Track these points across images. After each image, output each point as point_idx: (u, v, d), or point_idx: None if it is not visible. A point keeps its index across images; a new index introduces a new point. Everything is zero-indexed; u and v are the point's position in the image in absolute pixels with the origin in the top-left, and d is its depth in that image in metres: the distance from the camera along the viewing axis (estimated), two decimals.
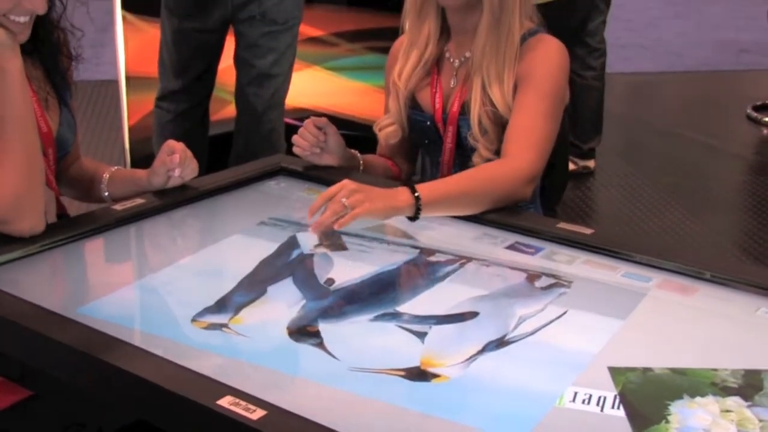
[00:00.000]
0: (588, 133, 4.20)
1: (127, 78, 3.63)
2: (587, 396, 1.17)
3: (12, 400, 1.50)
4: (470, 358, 1.26)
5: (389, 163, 2.04)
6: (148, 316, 1.44)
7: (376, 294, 1.45)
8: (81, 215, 1.70)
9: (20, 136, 1.53)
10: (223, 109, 3.43)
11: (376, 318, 1.37)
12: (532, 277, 1.50)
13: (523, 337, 1.32)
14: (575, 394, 1.18)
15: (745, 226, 3.81)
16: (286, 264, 1.55)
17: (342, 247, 1.61)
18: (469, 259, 1.56)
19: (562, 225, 1.65)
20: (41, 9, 1.53)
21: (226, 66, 3.07)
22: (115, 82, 3.81)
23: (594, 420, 1.14)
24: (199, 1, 2.77)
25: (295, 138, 1.90)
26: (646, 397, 1.17)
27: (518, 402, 1.18)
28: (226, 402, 1.11)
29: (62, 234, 1.59)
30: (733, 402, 1.16)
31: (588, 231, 1.63)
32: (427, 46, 1.92)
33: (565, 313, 1.39)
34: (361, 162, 1.98)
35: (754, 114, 5.06)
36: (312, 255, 1.57)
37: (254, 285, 1.46)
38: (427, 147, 2.00)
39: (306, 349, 1.29)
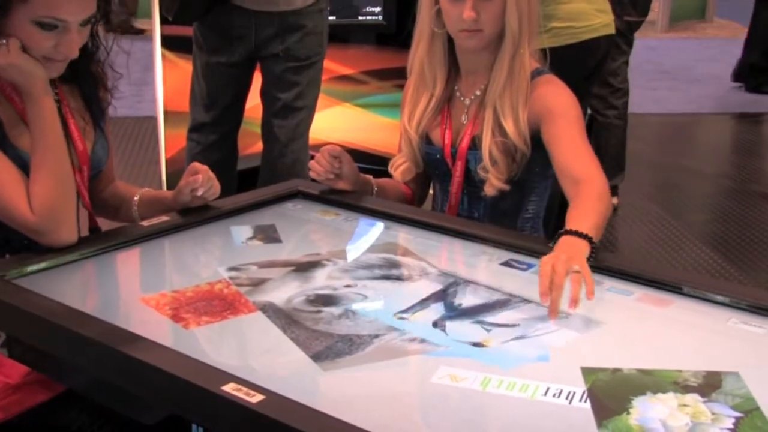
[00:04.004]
0: (611, 171, 4.27)
1: (166, 113, 3.83)
2: (558, 391, 1.29)
3: (49, 395, 1.64)
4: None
5: (402, 187, 2.18)
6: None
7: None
8: (111, 230, 1.86)
9: (52, 156, 1.69)
10: (256, 143, 3.60)
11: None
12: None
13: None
14: (547, 389, 1.29)
15: None
16: None
17: None
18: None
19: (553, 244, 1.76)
20: (73, 54, 1.71)
21: (259, 102, 3.24)
22: (154, 119, 4.01)
23: (561, 411, 1.25)
24: (225, 38, 2.96)
25: (311, 163, 2.05)
26: (612, 393, 1.28)
27: None
28: (229, 388, 1.24)
29: (94, 246, 1.75)
30: (691, 398, 1.26)
31: None
32: (436, 89, 2.05)
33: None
34: (375, 187, 2.12)
35: None
36: None
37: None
38: (438, 177, 2.13)
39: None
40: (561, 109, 1.93)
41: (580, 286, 1.49)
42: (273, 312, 1.52)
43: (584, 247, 1.61)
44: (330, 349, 1.41)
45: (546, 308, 1.49)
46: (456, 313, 1.52)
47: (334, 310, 1.53)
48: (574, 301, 1.47)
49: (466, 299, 1.56)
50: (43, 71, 1.70)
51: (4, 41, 1.65)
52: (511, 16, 1.93)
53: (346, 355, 1.39)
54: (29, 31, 1.65)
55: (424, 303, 1.55)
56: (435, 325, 1.48)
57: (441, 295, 1.58)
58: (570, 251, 1.57)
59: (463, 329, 1.46)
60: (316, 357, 1.38)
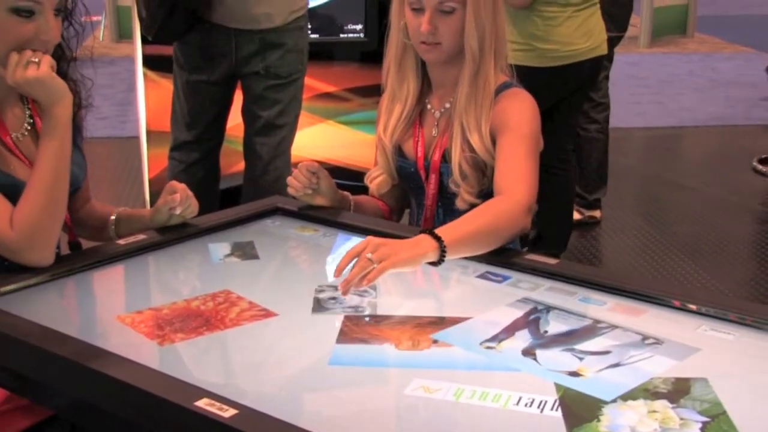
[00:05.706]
0: (593, 184, 4.32)
1: (149, 132, 3.83)
2: (530, 400, 1.30)
3: (31, 422, 1.64)
4: None
5: (380, 203, 2.19)
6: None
7: None
8: (87, 249, 1.86)
9: (54, 178, 1.69)
10: (239, 162, 3.61)
11: None
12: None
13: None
14: (519, 398, 1.30)
15: (750, 274, 3.88)
16: None
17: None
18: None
19: (530, 256, 1.78)
20: (55, 39, 1.71)
21: (241, 120, 3.25)
22: (138, 139, 4.02)
23: (533, 420, 1.26)
24: (206, 56, 2.98)
25: (289, 179, 2.06)
26: (583, 401, 1.29)
27: None
28: (203, 403, 1.25)
29: (69, 265, 1.75)
30: (660, 404, 1.27)
31: (553, 261, 1.76)
32: (408, 101, 2.07)
33: None
34: (352, 202, 2.13)
35: (760, 167, 5.18)
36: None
37: None
38: (413, 190, 2.15)
39: None
40: (514, 123, 1.94)
41: (359, 274, 1.51)
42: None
43: (426, 249, 1.61)
44: (306, 359, 1.42)
45: (628, 332, 1.51)
46: (545, 341, 1.48)
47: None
48: (345, 282, 1.52)
49: (552, 326, 1.52)
50: (71, 96, 1.71)
51: (36, 58, 1.66)
52: (470, 34, 1.94)
53: (321, 365, 1.40)
54: (7, 21, 1.66)
55: (508, 331, 1.51)
56: (525, 353, 1.44)
57: (525, 322, 1.54)
58: (401, 246, 1.58)
59: (555, 358, 1.42)
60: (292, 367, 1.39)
